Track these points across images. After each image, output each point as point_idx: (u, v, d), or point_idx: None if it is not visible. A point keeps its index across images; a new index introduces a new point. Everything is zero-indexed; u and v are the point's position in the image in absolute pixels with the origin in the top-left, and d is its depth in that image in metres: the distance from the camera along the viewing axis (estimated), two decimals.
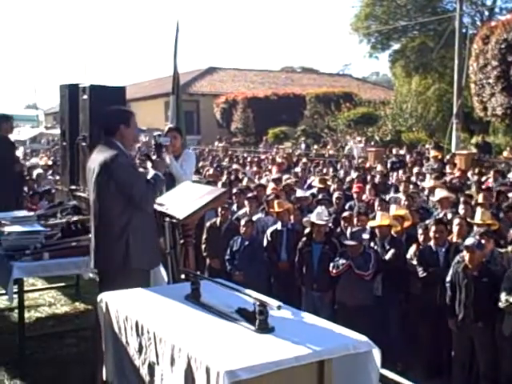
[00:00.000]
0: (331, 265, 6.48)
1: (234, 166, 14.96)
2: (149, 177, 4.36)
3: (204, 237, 7.88)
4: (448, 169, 12.94)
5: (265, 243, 7.48)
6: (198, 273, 3.96)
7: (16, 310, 6.26)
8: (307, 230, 7.06)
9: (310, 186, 10.98)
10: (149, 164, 4.60)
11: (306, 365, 2.65)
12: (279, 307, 2.83)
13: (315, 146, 23.18)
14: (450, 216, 7.54)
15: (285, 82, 36.99)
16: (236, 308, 3.13)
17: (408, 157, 16.32)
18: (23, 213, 6.28)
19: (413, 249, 6.55)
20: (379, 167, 13.89)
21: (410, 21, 31.75)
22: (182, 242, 4.56)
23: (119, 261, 4.16)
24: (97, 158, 4.27)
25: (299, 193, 9.21)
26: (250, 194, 8.56)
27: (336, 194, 9.05)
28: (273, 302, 2.87)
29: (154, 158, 4.57)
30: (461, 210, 7.57)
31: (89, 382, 4.47)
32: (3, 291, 6.23)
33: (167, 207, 4.48)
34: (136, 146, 4.79)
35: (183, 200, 4.48)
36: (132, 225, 4.18)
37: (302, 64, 57.83)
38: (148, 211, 4.33)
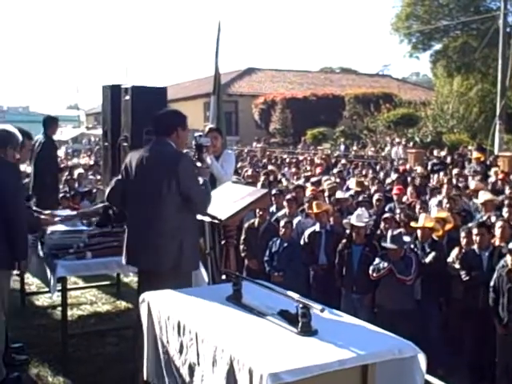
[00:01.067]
0: (371, 268, 6.40)
1: (270, 167, 14.94)
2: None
3: (242, 237, 7.88)
4: (491, 171, 12.69)
5: (302, 244, 7.44)
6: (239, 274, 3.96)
7: (59, 308, 6.38)
8: (348, 232, 6.99)
9: (349, 188, 10.90)
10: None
11: (349, 369, 2.62)
12: (323, 310, 2.80)
13: (354, 147, 23.01)
14: (493, 219, 7.38)
15: (324, 83, 36.81)
16: (278, 310, 3.10)
17: (449, 158, 16.06)
18: (66, 212, 6.38)
19: (455, 252, 6.43)
20: (419, 169, 13.71)
21: (453, 20, 31.26)
22: (223, 242, 4.56)
23: (172, 262, 4.16)
24: (157, 156, 4.28)
25: (339, 194, 9.14)
26: (288, 196, 8.52)
27: (376, 196, 8.94)
28: (316, 305, 2.84)
29: (198, 164, 4.61)
30: (505, 212, 7.41)
31: (129, 381, 4.53)
32: (46, 289, 6.37)
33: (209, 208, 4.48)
34: (196, 134, 4.86)
35: (225, 201, 4.48)
36: (184, 226, 4.20)
37: (340, 64, 57.60)
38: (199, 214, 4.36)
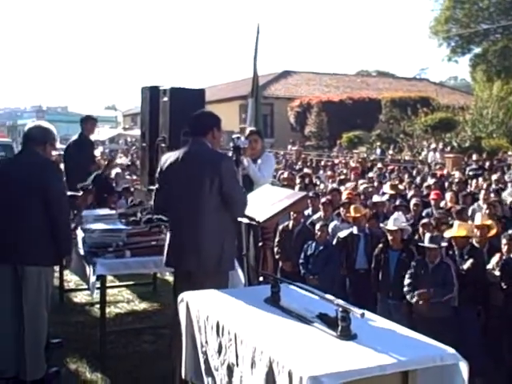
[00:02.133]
0: (407, 296, 6.31)
1: (306, 170, 14.91)
2: None
3: (276, 240, 7.87)
4: None
5: (337, 247, 7.40)
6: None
7: (96, 306, 6.48)
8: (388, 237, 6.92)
9: (384, 192, 10.81)
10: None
11: (389, 375, 2.59)
12: (363, 314, 2.78)
13: (390, 151, 22.81)
14: None
15: (360, 86, 36.59)
16: (317, 313, 3.10)
17: (488, 164, 15.81)
18: (106, 211, 6.47)
19: (495, 259, 6.31)
20: (457, 174, 13.52)
21: (493, 24, 30.83)
22: (260, 244, 4.57)
23: (214, 263, 4.19)
24: (197, 156, 4.32)
25: (376, 198, 9.07)
26: (324, 199, 8.49)
27: (414, 201, 8.85)
28: (356, 309, 2.82)
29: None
30: None
31: (166, 379, 4.57)
32: (84, 286, 6.46)
33: (247, 209, 4.50)
34: (234, 136, 4.93)
35: (263, 203, 4.49)
36: (225, 227, 4.23)
37: (377, 68, 57.27)
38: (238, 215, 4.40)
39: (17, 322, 4.56)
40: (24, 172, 4.61)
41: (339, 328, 2.86)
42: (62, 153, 9.84)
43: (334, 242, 7.41)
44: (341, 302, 2.93)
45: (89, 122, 8.99)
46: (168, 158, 4.52)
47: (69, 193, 5.64)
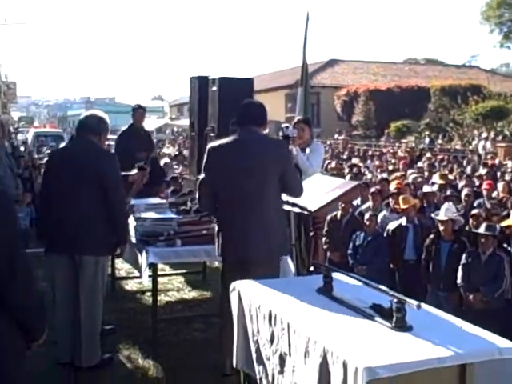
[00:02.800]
0: (461, 290, 6.20)
1: (354, 160, 14.78)
2: None
3: (324, 229, 7.83)
4: None
5: (387, 238, 7.32)
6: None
7: (147, 293, 6.58)
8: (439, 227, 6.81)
9: (433, 182, 10.62)
10: None
11: (446, 367, 2.54)
12: (419, 306, 2.74)
13: (439, 141, 22.40)
14: None
15: (408, 74, 35.98)
16: (370, 304, 3.06)
17: None
18: (156, 200, 6.54)
19: None
20: (510, 163, 13.19)
21: None
22: (312, 234, 4.56)
23: (273, 249, 4.18)
24: (253, 143, 4.31)
25: (426, 188, 8.93)
26: (373, 189, 8.41)
27: (465, 191, 8.68)
28: (411, 300, 2.78)
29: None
30: None
31: (217, 368, 4.61)
32: (135, 274, 6.57)
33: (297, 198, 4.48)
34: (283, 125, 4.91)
35: (315, 192, 4.46)
36: (282, 213, 4.23)
37: (426, 55, 56.19)
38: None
39: (73, 310, 4.66)
40: (79, 160, 4.62)
41: (394, 319, 2.82)
42: (112, 143, 9.98)
43: (385, 233, 7.33)
44: (395, 293, 2.90)
45: (137, 112, 9.09)
46: (218, 147, 4.45)
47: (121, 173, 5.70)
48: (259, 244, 4.20)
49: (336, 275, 3.51)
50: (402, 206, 7.35)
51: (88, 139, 4.74)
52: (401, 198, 7.53)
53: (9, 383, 2.25)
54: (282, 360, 3.13)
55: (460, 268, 6.23)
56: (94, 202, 4.58)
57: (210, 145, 4.61)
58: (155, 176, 5.83)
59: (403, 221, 7.27)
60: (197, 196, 4.57)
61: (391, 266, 7.25)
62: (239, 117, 4.52)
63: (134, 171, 5.83)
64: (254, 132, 4.38)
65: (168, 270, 7.52)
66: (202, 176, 4.50)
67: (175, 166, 14.07)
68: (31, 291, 2.26)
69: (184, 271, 7.36)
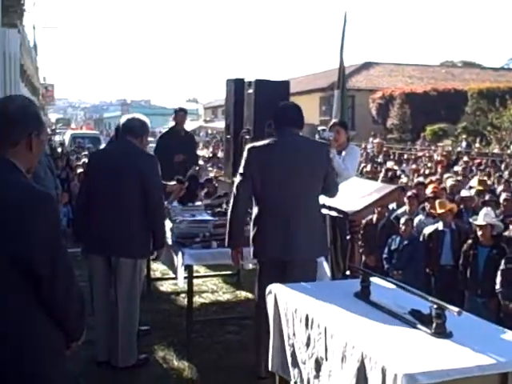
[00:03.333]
0: (499, 296, 6.08)
1: (389, 164, 14.65)
2: None
3: (360, 233, 7.78)
4: None
5: (423, 243, 7.23)
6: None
7: (181, 295, 6.61)
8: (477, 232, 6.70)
9: (471, 187, 10.46)
10: None
11: (486, 376, 2.48)
12: (460, 312, 2.69)
13: (477, 145, 22.04)
14: None
15: (445, 77, 35.53)
16: (409, 309, 3.02)
17: None
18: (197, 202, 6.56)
19: None
20: None
21: None
22: (348, 237, 4.52)
23: (315, 250, 4.19)
24: (302, 146, 4.33)
25: (464, 193, 8.79)
26: (409, 193, 8.32)
27: (504, 196, 8.52)
28: (451, 307, 2.73)
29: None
30: None
31: (251, 371, 4.61)
32: (170, 275, 6.61)
33: (334, 201, 4.46)
34: (320, 128, 4.88)
35: (352, 195, 4.43)
36: (320, 215, 4.22)
37: (463, 58, 55.37)
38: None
39: (111, 310, 4.71)
40: (120, 162, 4.66)
41: (434, 325, 2.78)
42: (151, 145, 10.06)
43: (421, 238, 7.24)
44: (434, 298, 2.85)
45: (179, 114, 9.13)
46: (261, 147, 4.40)
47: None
48: (302, 244, 4.19)
49: (373, 279, 3.47)
50: (439, 211, 7.25)
51: (129, 141, 4.77)
52: (437, 202, 7.42)
53: (46, 383, 2.28)
54: (318, 364, 3.11)
55: (499, 274, 6.12)
56: (134, 204, 4.61)
57: (250, 145, 4.57)
58: (191, 192, 5.86)
59: (440, 225, 7.16)
60: (231, 201, 4.48)
61: (427, 270, 7.16)
62: (277, 118, 4.50)
63: (173, 182, 5.86)
64: (295, 134, 4.39)
65: (202, 271, 7.54)
66: (238, 179, 4.43)
67: (209, 168, 14.13)
68: (72, 292, 2.28)
69: (218, 273, 7.37)
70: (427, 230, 7.22)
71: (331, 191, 4.36)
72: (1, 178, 2.16)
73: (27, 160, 2.28)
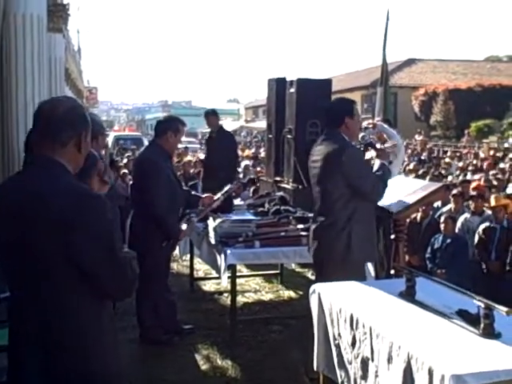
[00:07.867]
0: None
1: (435, 161, 14.42)
2: (375, 167, 4.30)
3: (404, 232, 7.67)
4: None
5: (476, 240, 7.08)
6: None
7: (224, 294, 6.64)
8: None
9: None
10: (371, 153, 4.55)
11: None
12: (509, 312, 2.63)
13: None
14: None
15: (490, 73, 34.79)
16: (456, 309, 2.97)
17: None
18: (235, 202, 6.59)
19: None
20: None
21: None
22: (393, 237, 4.46)
23: (341, 252, 4.12)
24: (322, 150, 4.24)
25: (510, 190, 8.60)
26: (455, 191, 8.18)
27: None
28: (500, 307, 2.68)
29: (378, 146, 4.48)
30: None
31: (295, 370, 4.60)
32: (213, 275, 6.64)
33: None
34: (360, 135, 4.61)
35: (396, 194, 4.37)
36: (355, 217, 4.11)
37: (508, 53, 54.12)
38: (375, 203, 4.29)
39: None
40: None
41: (481, 325, 2.72)
42: (189, 145, 10.12)
43: (476, 237, 7.08)
44: (483, 298, 2.80)
45: (209, 117, 9.05)
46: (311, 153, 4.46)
47: (193, 192, 5.89)
48: (323, 246, 4.23)
49: (418, 279, 3.43)
50: (493, 204, 7.08)
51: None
52: (493, 196, 7.29)
53: (103, 367, 2.26)
54: (365, 364, 3.08)
55: None
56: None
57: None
58: (227, 206, 5.92)
59: (491, 222, 7.01)
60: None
61: (483, 267, 6.99)
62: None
63: (219, 195, 5.79)
64: (331, 136, 4.29)
65: (245, 271, 7.56)
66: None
67: (251, 168, 14.14)
68: (126, 284, 2.30)
69: (261, 272, 7.38)
70: (481, 227, 7.07)
71: (367, 194, 4.16)
72: (54, 181, 2.15)
73: (75, 161, 2.28)
